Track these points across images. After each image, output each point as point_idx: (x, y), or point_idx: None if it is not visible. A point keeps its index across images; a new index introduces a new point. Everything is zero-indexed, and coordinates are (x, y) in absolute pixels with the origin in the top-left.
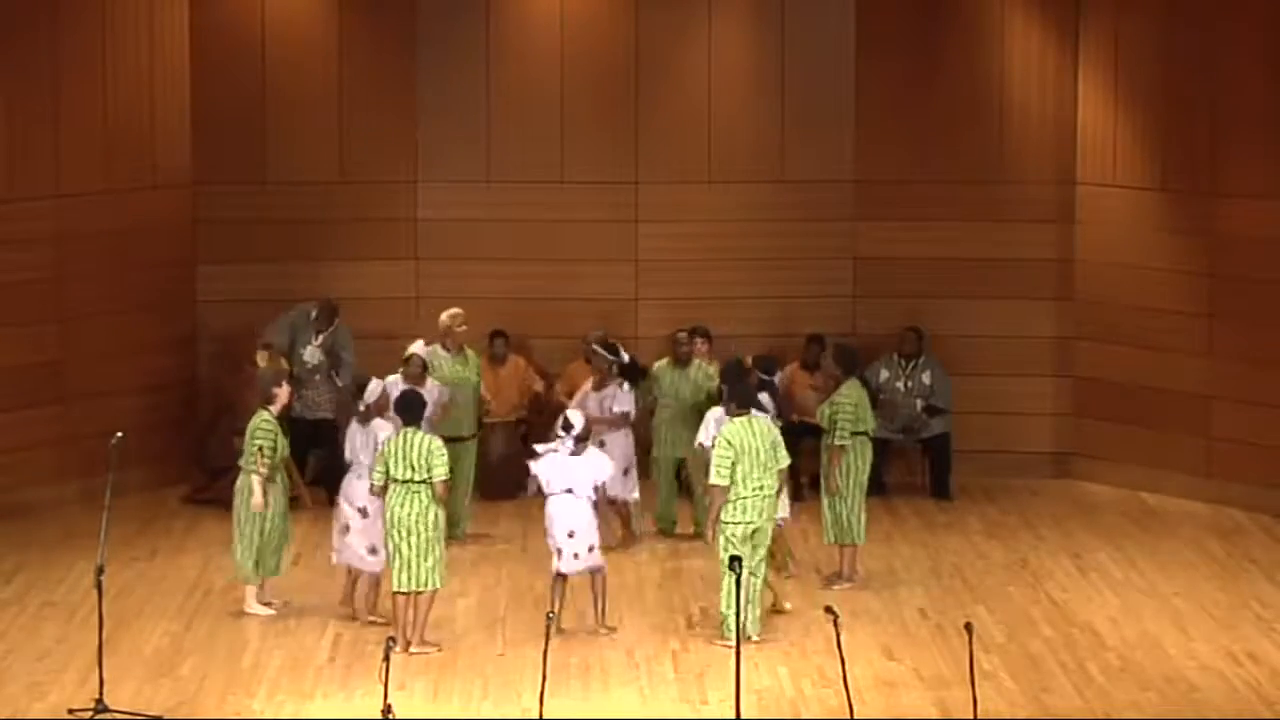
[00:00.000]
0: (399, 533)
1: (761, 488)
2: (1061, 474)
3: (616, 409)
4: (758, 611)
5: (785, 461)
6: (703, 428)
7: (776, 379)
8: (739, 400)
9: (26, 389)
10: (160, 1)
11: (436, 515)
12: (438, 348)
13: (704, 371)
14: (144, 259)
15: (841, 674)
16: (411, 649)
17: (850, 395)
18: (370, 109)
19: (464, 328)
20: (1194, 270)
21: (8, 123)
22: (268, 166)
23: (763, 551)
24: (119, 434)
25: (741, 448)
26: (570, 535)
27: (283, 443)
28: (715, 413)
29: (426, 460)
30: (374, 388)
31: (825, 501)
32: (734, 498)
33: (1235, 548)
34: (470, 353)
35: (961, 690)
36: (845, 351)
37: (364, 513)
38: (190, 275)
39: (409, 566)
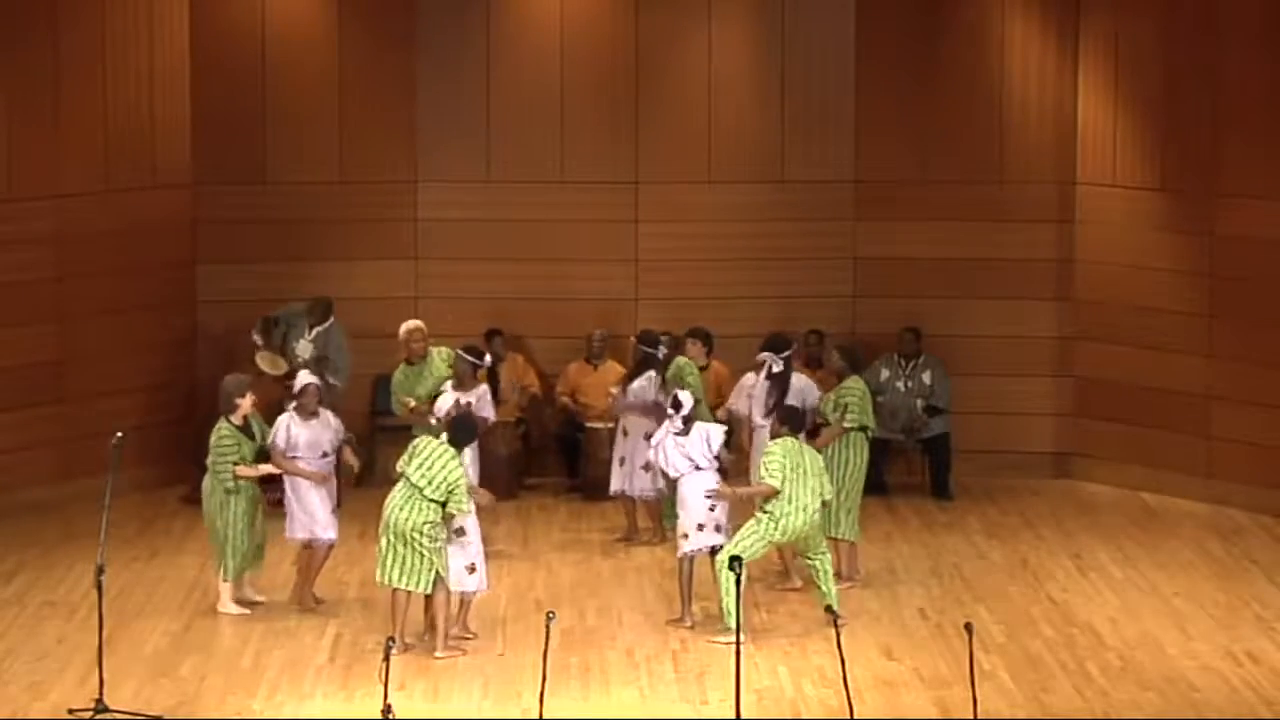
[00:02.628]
0: (392, 536)
1: (805, 507)
2: (1061, 474)
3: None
4: (833, 587)
5: (829, 494)
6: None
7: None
8: (791, 425)
9: (26, 389)
10: (160, 2)
11: (436, 531)
12: (402, 366)
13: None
14: (144, 259)
15: (841, 674)
16: (437, 653)
17: (857, 386)
18: (370, 109)
19: (419, 343)
20: (1194, 270)
21: (8, 123)
22: (268, 166)
23: (819, 542)
24: (119, 434)
25: (793, 467)
26: (712, 508)
27: (247, 447)
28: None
29: (446, 488)
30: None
31: None
32: (779, 514)
33: (1235, 548)
34: (437, 355)
35: (961, 690)
36: (849, 351)
37: (460, 532)
38: (190, 275)
39: (400, 567)
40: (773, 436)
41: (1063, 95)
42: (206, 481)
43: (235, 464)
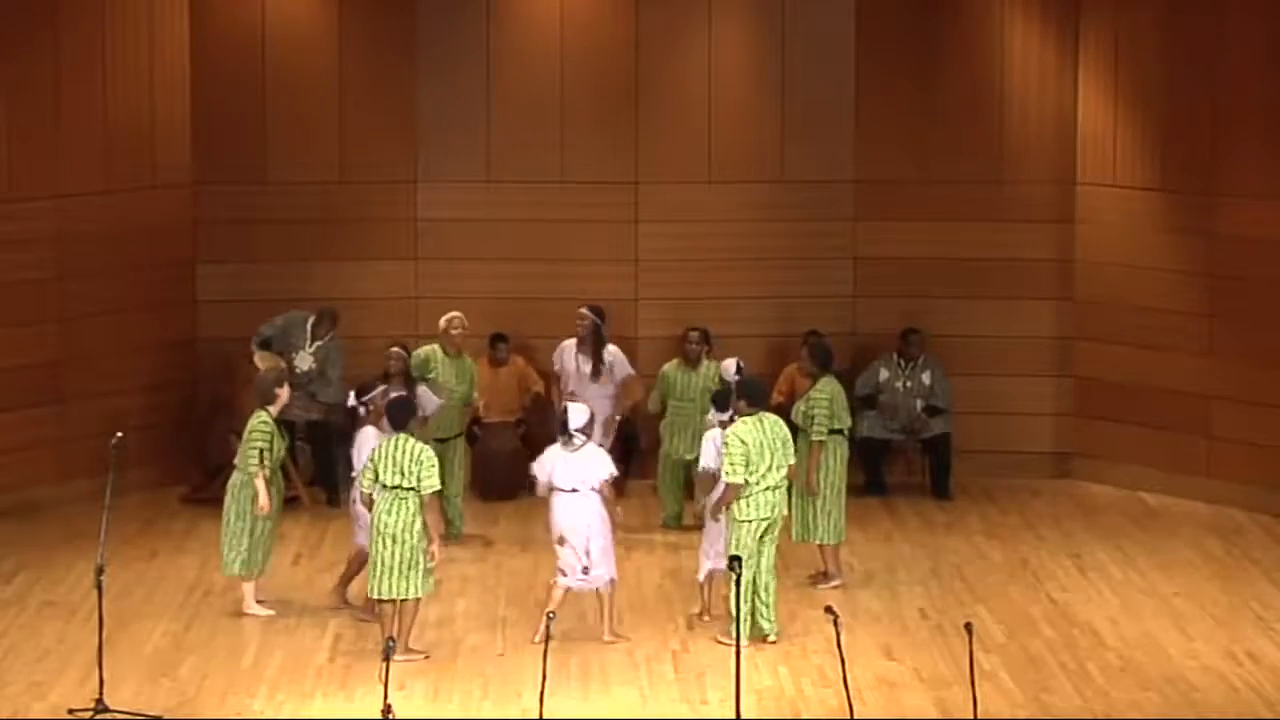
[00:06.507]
0: (383, 540)
1: (776, 485)
2: (1061, 474)
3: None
4: (773, 614)
5: (793, 459)
6: (703, 453)
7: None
8: (749, 399)
9: (26, 389)
10: (160, 2)
11: (423, 524)
12: (436, 349)
13: (713, 372)
14: (144, 259)
15: (841, 674)
16: (395, 656)
17: (825, 391)
18: (370, 109)
19: (459, 331)
20: (1194, 270)
21: (8, 123)
22: (268, 166)
23: (774, 549)
24: (119, 434)
25: (754, 445)
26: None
27: (280, 443)
28: (713, 434)
29: (415, 469)
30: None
31: (796, 499)
32: (747, 494)
33: (1235, 548)
34: (467, 359)
35: (961, 690)
36: (820, 349)
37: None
38: (190, 275)
39: (390, 574)
40: (737, 414)
41: (1063, 95)
42: (234, 478)
43: (262, 451)
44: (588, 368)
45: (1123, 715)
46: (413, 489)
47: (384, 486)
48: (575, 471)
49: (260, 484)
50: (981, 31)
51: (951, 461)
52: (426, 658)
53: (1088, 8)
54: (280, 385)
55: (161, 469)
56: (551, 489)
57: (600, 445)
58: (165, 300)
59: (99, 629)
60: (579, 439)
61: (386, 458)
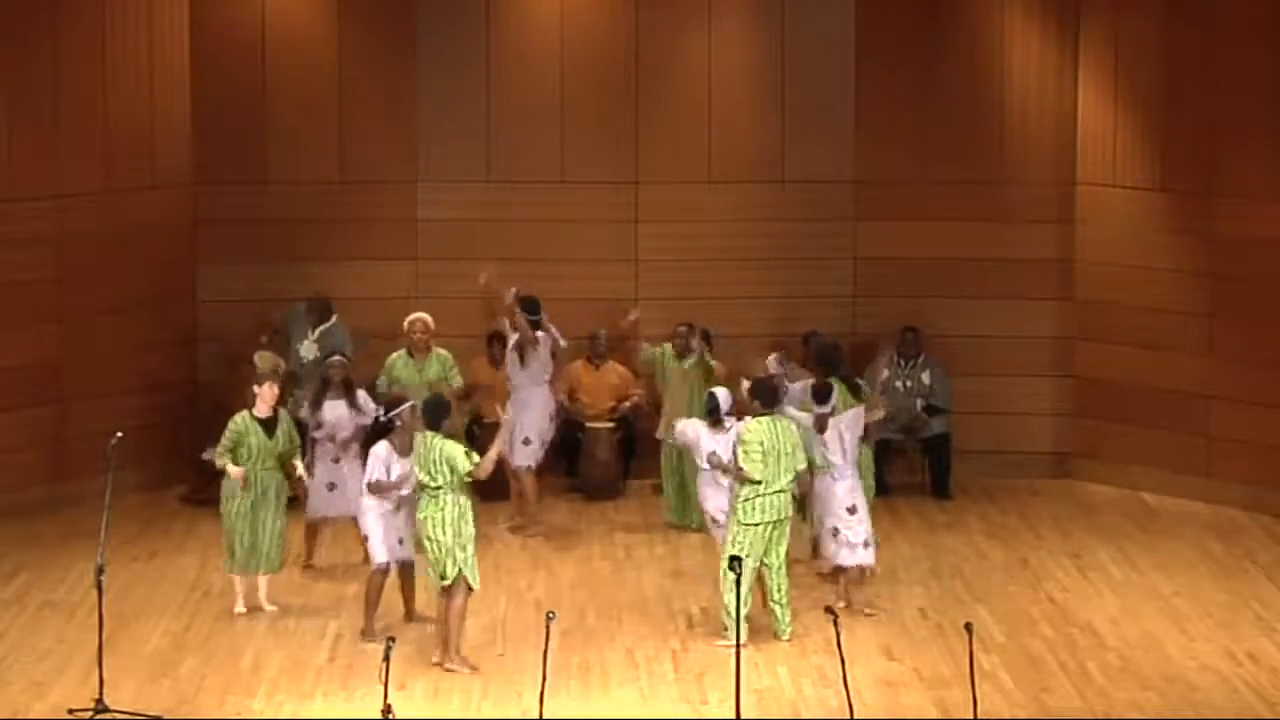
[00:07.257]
0: (427, 539)
1: (784, 489)
2: (1061, 474)
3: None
4: (788, 614)
5: (804, 463)
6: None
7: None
8: (763, 400)
9: (26, 389)
10: (160, 2)
11: (458, 519)
12: (403, 353)
13: (702, 366)
14: (144, 259)
15: (841, 674)
16: (448, 665)
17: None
18: (370, 109)
19: (421, 335)
20: (1194, 270)
21: (8, 123)
22: (268, 166)
23: (784, 548)
24: (119, 434)
25: (769, 446)
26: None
27: (257, 442)
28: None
29: (447, 463)
30: None
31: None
32: (754, 495)
33: (1235, 548)
34: (440, 353)
35: (961, 690)
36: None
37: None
38: (190, 275)
39: (436, 565)
40: (751, 414)
41: (1063, 95)
42: (225, 480)
43: (230, 449)
44: (517, 356)
45: (1123, 715)
46: (440, 487)
47: (421, 486)
48: (725, 453)
49: (227, 465)
50: (981, 31)
51: (951, 461)
52: (477, 670)
53: (1088, 8)
54: (259, 384)
55: (161, 469)
56: (699, 470)
57: (545, 441)
58: (165, 300)
59: (99, 629)
60: (728, 421)
61: (419, 457)
